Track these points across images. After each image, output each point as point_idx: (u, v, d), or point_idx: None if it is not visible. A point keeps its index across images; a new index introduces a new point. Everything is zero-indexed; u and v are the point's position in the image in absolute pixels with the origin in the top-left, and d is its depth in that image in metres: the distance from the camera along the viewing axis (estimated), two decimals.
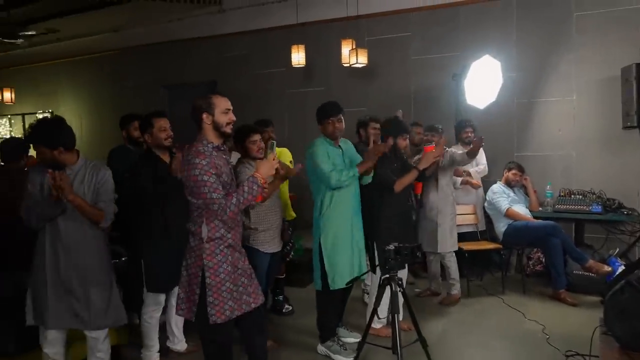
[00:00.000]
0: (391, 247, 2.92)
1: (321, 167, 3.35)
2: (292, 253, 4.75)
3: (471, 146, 4.39)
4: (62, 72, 9.19)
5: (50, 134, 2.75)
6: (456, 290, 4.59)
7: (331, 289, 3.40)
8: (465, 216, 5.12)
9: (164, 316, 3.86)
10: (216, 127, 2.51)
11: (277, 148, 2.95)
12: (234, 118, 2.57)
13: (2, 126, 10.06)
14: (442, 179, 4.50)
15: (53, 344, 2.94)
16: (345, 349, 3.52)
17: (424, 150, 3.77)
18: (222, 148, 2.57)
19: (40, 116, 9.49)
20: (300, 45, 6.05)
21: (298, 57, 6.02)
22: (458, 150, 4.68)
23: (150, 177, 3.25)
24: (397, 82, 6.28)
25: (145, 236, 3.33)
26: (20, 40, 6.82)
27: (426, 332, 3.22)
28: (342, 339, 3.68)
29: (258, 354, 2.78)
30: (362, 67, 5.82)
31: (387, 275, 2.96)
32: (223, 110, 2.52)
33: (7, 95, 8.58)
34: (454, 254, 4.55)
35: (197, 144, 2.50)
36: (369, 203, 3.65)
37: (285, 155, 4.47)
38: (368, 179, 3.59)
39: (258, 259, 3.60)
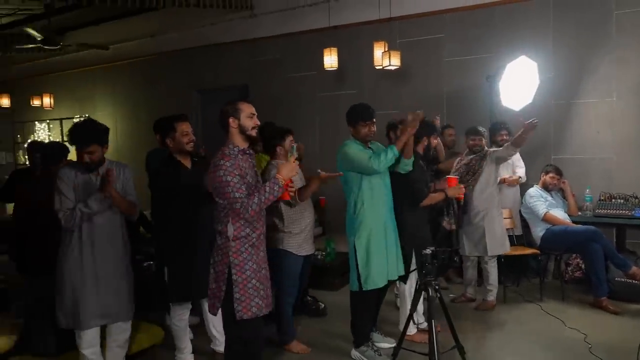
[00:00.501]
0: (428, 251, 2.87)
1: (359, 158, 3.32)
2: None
3: (520, 133, 4.17)
4: (98, 78, 9.41)
5: (103, 132, 2.95)
6: (492, 296, 4.49)
7: (364, 289, 3.37)
8: None
9: (197, 317, 3.91)
10: (242, 130, 2.64)
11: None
12: (259, 122, 2.70)
13: (42, 130, 10.37)
14: (486, 180, 4.41)
15: (90, 344, 2.98)
16: (380, 355, 3.47)
17: (447, 180, 3.83)
18: (248, 152, 2.69)
19: (77, 121, 9.74)
20: (332, 49, 6.05)
21: (330, 60, 6.02)
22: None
23: (170, 184, 3.25)
24: (430, 84, 6.21)
25: (169, 244, 3.32)
26: (59, 47, 7.02)
27: (463, 339, 3.15)
28: (377, 344, 3.63)
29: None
30: (395, 69, 5.77)
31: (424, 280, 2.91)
32: (248, 115, 2.65)
33: (47, 100, 8.85)
34: (496, 260, 4.46)
35: (224, 147, 2.64)
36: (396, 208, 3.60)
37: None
38: (408, 166, 3.50)
39: (292, 262, 3.60)
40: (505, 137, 4.92)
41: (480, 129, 4.60)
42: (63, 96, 9.68)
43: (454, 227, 4.41)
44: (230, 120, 2.63)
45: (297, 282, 3.72)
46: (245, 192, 2.53)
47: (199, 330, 3.83)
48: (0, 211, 6.73)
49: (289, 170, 2.63)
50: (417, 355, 3.08)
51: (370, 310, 3.60)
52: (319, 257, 5.28)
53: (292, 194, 2.88)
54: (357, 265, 3.37)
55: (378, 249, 3.39)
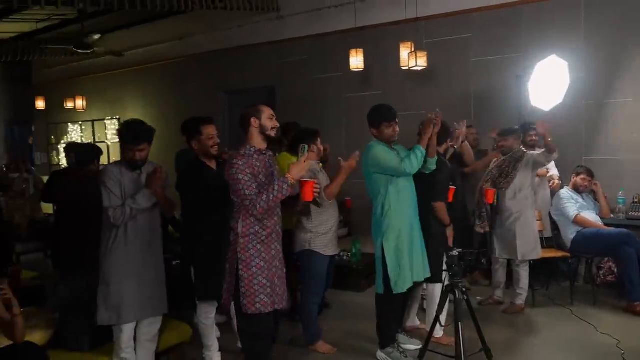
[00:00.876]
0: (455, 252, 2.85)
1: (388, 161, 3.32)
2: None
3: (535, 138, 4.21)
4: (128, 80, 9.62)
5: (152, 132, 3.08)
6: (521, 300, 4.42)
7: (394, 292, 3.35)
8: None
9: (224, 316, 3.96)
10: (262, 130, 2.76)
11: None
12: (278, 124, 2.83)
13: (74, 132, 10.66)
14: (520, 182, 4.35)
15: (130, 337, 3.06)
16: (406, 356, 3.46)
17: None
18: (264, 152, 2.79)
19: (108, 122, 9.99)
20: (358, 49, 6.05)
21: (356, 61, 6.03)
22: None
23: (195, 185, 3.31)
24: (457, 84, 6.15)
25: (195, 243, 3.38)
26: (91, 51, 7.21)
27: (490, 343, 3.12)
28: (402, 345, 3.62)
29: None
30: (421, 69, 5.74)
31: (451, 282, 2.89)
32: (269, 116, 2.77)
33: (80, 102, 9.09)
34: (528, 264, 4.39)
35: (241, 148, 2.76)
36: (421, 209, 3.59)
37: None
38: (432, 165, 3.51)
39: (319, 262, 3.62)
40: (535, 138, 4.84)
41: (515, 128, 4.55)
42: (95, 98, 9.93)
43: (487, 229, 4.38)
44: (252, 120, 2.74)
45: (323, 283, 3.74)
46: (255, 190, 2.62)
47: (227, 328, 3.88)
48: (37, 211, 6.94)
49: (298, 170, 2.70)
50: (443, 357, 3.06)
51: (396, 312, 3.59)
52: (345, 257, 5.29)
53: (316, 194, 2.95)
54: (385, 268, 3.35)
55: (406, 251, 3.37)
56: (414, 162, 3.28)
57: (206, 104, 8.00)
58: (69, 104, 9.49)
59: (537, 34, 5.59)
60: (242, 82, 7.91)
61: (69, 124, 10.71)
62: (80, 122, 10.50)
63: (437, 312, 3.09)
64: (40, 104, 9.98)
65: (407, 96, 6.30)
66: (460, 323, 2.86)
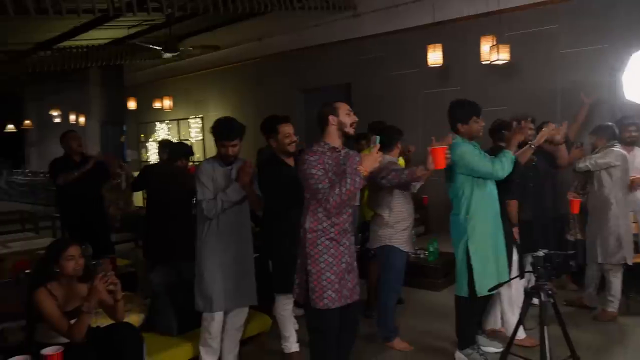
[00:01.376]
0: (540, 253, 2.73)
1: (480, 165, 3.22)
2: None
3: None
4: (210, 81, 10.06)
5: (244, 129, 3.19)
6: (614, 307, 4.14)
7: (479, 295, 3.25)
8: None
9: (302, 309, 4.04)
10: (341, 127, 2.73)
11: None
12: (357, 119, 2.77)
13: (161, 130, 11.30)
14: (602, 183, 4.12)
15: (219, 325, 3.20)
16: (486, 359, 3.36)
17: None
18: (338, 150, 2.74)
19: (191, 121, 10.49)
20: (436, 45, 5.94)
21: (434, 56, 5.93)
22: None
23: (273, 181, 3.39)
24: (542, 78, 5.86)
25: (274, 238, 3.47)
26: (178, 52, 7.62)
27: (579, 351, 2.95)
28: (483, 347, 3.52)
29: (340, 351, 2.87)
30: (503, 64, 5.54)
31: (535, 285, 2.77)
32: (346, 112, 2.75)
33: (167, 102, 9.62)
34: (621, 269, 4.12)
35: (315, 144, 2.75)
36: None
37: None
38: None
39: (398, 258, 3.63)
40: (633, 134, 4.49)
41: (609, 124, 4.28)
42: (180, 98, 10.47)
43: (577, 236, 4.17)
44: (330, 118, 2.73)
45: (402, 279, 3.74)
46: (327, 185, 2.62)
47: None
48: (129, 204, 7.44)
49: (371, 162, 2.66)
50: None
51: (478, 314, 3.49)
52: (421, 256, 5.22)
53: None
54: (470, 270, 3.25)
55: (492, 254, 3.28)
56: (506, 167, 3.19)
57: (284, 102, 8.19)
58: (157, 104, 10.06)
59: (631, 24, 5.20)
60: (319, 80, 8.02)
61: (157, 122, 11.37)
62: (167, 121, 11.12)
63: (520, 315, 2.97)
64: (131, 105, 10.67)
65: (488, 91, 6.09)
66: (545, 327, 2.73)
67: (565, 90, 5.70)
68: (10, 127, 15.13)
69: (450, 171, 3.33)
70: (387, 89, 7.16)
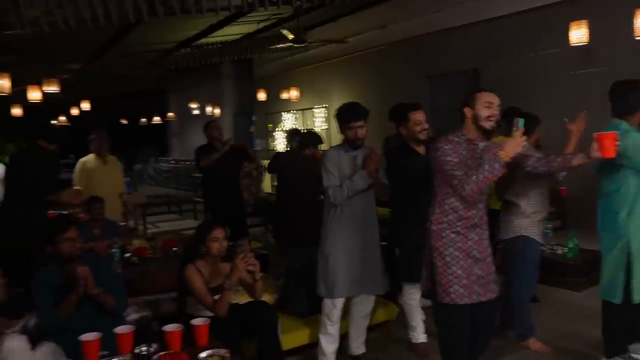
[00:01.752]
0: None
1: None
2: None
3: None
4: (334, 71, 10.23)
5: (367, 111, 3.16)
6: None
7: (635, 302, 2.91)
8: None
9: (429, 300, 3.97)
10: (475, 120, 2.56)
11: None
12: (497, 112, 2.56)
13: (288, 120, 11.77)
14: None
15: (339, 312, 3.21)
16: None
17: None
18: (476, 143, 2.59)
19: (316, 111, 10.77)
20: (581, 21, 5.41)
21: (578, 34, 5.40)
22: None
23: (403, 168, 3.35)
24: None
25: (401, 226, 3.44)
26: (305, 44, 7.85)
27: None
28: (634, 355, 3.16)
29: (474, 349, 2.73)
30: None
31: None
32: (484, 104, 2.55)
33: (294, 93, 9.98)
34: None
35: (451, 133, 2.61)
36: None
37: None
38: None
39: (535, 250, 3.44)
40: None
41: None
42: (306, 89, 10.80)
43: None
44: (466, 110, 2.58)
45: (537, 272, 3.53)
46: (463, 172, 2.49)
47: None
48: (260, 190, 7.90)
49: (514, 146, 2.45)
50: None
51: (629, 323, 3.12)
52: (559, 252, 4.85)
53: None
54: (629, 274, 2.89)
55: None
56: None
57: (408, 90, 8.06)
58: (284, 95, 10.47)
59: None
60: (445, 66, 7.76)
61: (283, 113, 11.86)
62: (293, 111, 11.55)
63: None
64: (261, 96, 11.23)
65: None
66: None
67: None
68: (157, 119, 16.78)
69: (605, 161, 2.92)
70: (518, 72, 6.69)
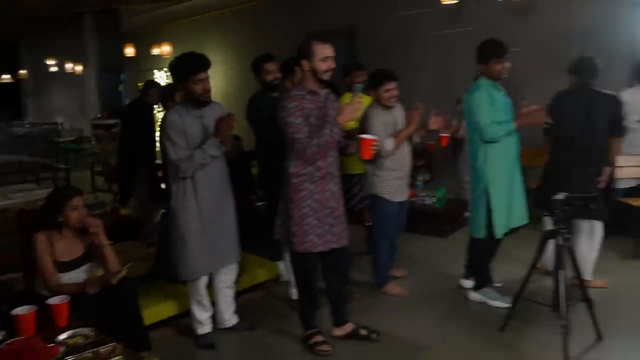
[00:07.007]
0: (560, 196, 2.63)
1: (479, 117, 3.13)
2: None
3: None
4: (210, 26, 9.68)
5: (207, 59, 2.85)
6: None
7: (497, 237, 3.22)
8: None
9: None
10: (314, 73, 2.60)
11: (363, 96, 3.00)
12: (333, 65, 2.60)
13: (160, 79, 11.01)
14: None
15: (204, 289, 2.99)
16: (504, 295, 3.34)
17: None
18: (317, 92, 2.66)
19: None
20: None
21: None
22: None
23: (264, 121, 3.30)
24: (559, 17, 5.54)
25: (269, 182, 3.39)
26: None
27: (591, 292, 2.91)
28: (496, 284, 3.50)
29: (333, 297, 2.93)
30: (520, 1, 5.22)
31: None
32: (321, 58, 2.58)
33: (167, 49, 9.33)
34: None
35: (294, 88, 2.70)
36: None
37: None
38: None
39: (385, 207, 3.53)
40: None
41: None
42: (178, 45, 10.12)
43: None
44: (304, 63, 2.61)
45: (391, 226, 3.61)
46: (306, 134, 2.56)
47: None
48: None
49: (351, 112, 2.59)
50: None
51: (493, 255, 3.45)
52: (428, 202, 5.15)
53: (374, 151, 2.76)
54: (488, 211, 3.19)
55: (508, 195, 3.22)
56: (497, 135, 3.11)
57: (287, 47, 7.86)
58: (156, 50, 9.75)
59: None
60: (325, 22, 7.67)
61: (155, 70, 11.06)
62: (166, 69, 10.82)
63: (534, 258, 2.92)
64: (129, 51, 10.34)
65: (502, 32, 5.66)
66: (561, 271, 2.68)
67: (584, 29, 5.38)
68: (6, 78, 14.82)
69: (467, 115, 3.26)
70: (396, 31, 6.77)
